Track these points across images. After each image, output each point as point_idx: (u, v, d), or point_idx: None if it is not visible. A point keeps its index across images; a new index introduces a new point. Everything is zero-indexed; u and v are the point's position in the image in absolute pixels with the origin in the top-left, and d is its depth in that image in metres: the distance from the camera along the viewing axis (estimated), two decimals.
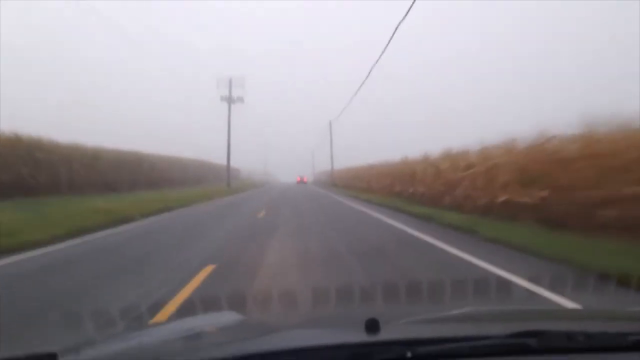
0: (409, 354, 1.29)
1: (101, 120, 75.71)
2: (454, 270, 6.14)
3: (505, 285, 5.10)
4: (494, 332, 1.44)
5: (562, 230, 8.52)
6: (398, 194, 22.27)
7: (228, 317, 2.26)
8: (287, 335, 1.67)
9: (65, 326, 3.33)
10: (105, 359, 1.52)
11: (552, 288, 4.61)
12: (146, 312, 4.02)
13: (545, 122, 11.45)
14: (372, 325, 1.39)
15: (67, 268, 6.83)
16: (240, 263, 6.79)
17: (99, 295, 5.07)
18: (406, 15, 14.76)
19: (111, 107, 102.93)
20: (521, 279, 5.30)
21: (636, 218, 7.32)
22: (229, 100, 42.15)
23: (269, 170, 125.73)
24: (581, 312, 2.96)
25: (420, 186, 19.28)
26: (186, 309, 4.07)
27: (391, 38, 17.61)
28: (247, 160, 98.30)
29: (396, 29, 16.01)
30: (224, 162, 45.96)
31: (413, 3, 13.53)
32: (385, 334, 1.40)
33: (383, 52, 19.59)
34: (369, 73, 24.15)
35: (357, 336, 1.40)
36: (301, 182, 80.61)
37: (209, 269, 6.18)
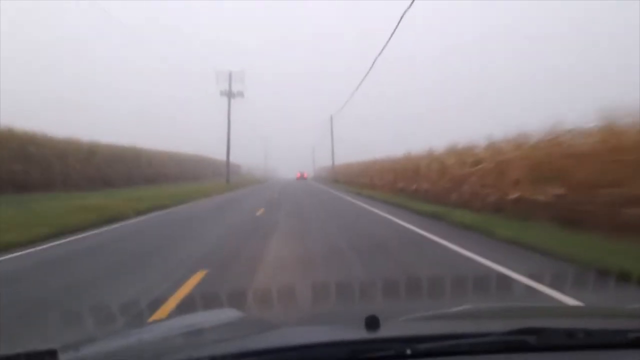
0: (408, 351, 1.29)
1: (98, 115, 74.88)
2: (481, 282, 4.82)
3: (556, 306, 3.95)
4: (494, 329, 1.42)
5: (584, 230, 7.91)
6: (401, 191, 21.63)
7: (228, 314, 2.25)
8: (287, 332, 1.66)
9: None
10: (105, 356, 1.47)
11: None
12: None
13: (557, 115, 10.85)
14: (372, 322, 1.38)
15: (31, 276, 6.14)
16: (240, 261, 6.37)
17: (43, 313, 4.25)
18: (412, 4, 14.13)
19: (108, 102, 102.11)
20: (563, 294, 4.33)
21: None
22: (229, 94, 41.43)
23: (270, 166, 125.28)
24: (581, 310, 2.86)
25: (425, 182, 18.64)
26: (186, 306, 4.03)
27: (396, 27, 16.96)
28: (247, 156, 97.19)
29: (401, 17, 15.39)
30: (223, 157, 45.33)
31: None
32: (385, 331, 1.39)
33: (387, 42, 18.96)
34: (373, 64, 23.45)
35: (357, 333, 1.39)
36: (301, 178, 79.95)
37: (198, 275, 5.57)
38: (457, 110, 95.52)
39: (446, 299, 3.87)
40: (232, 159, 47.16)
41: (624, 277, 4.49)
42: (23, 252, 7.74)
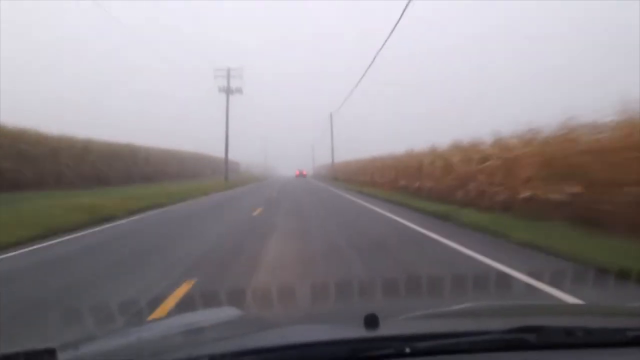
0: (407, 350, 1.27)
1: (96, 112, 74.37)
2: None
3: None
4: (493, 327, 1.41)
5: (603, 232, 7.38)
6: (403, 189, 21.09)
7: (227, 312, 2.24)
8: (286, 330, 1.65)
9: None
10: (104, 355, 1.43)
11: None
12: None
13: (567, 110, 10.27)
14: (371, 321, 1.37)
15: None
16: (239, 261, 6.20)
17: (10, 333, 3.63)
18: (410, 2, 13.62)
19: (106, 99, 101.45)
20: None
21: None
22: (227, 91, 40.84)
23: (269, 164, 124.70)
24: (581, 308, 2.81)
25: (428, 180, 18.09)
26: (185, 305, 4.00)
27: (397, 24, 16.52)
28: (246, 154, 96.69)
29: (402, 13, 14.89)
30: (222, 155, 44.78)
31: None
32: (385, 330, 1.37)
33: (388, 38, 18.49)
34: (373, 60, 23.02)
35: (356, 331, 1.37)
36: (300, 175, 79.30)
37: (184, 287, 5.03)
38: (457, 110, 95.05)
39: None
40: (231, 156, 46.68)
41: None
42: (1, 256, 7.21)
